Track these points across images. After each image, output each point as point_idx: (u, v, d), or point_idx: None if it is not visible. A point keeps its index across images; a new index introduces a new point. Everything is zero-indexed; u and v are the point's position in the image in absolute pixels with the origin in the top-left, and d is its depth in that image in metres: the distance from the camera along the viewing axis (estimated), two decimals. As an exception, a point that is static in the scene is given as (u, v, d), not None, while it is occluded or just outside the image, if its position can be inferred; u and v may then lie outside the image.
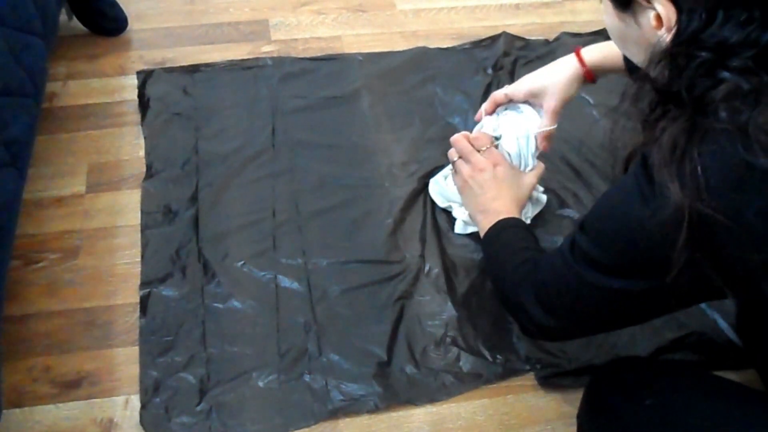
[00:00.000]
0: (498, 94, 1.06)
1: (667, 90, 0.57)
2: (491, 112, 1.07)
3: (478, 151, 1.01)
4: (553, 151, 1.16)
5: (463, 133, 1.05)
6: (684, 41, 0.56)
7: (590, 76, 0.99)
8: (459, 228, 1.09)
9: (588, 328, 0.80)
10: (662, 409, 0.68)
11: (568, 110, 1.29)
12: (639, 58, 0.65)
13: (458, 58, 1.39)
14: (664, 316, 0.87)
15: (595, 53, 0.98)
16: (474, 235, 1.08)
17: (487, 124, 1.12)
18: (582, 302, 0.70)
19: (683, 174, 0.54)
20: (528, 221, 1.07)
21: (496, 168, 0.99)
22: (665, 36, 0.57)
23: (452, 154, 1.04)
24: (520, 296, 0.78)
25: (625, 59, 0.87)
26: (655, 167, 0.56)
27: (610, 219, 0.65)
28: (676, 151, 0.55)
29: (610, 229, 0.65)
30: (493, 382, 0.93)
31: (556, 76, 1.00)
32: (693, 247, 0.55)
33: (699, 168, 0.53)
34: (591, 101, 1.32)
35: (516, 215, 0.94)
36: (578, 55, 0.99)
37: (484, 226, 0.94)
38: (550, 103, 1.00)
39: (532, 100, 1.03)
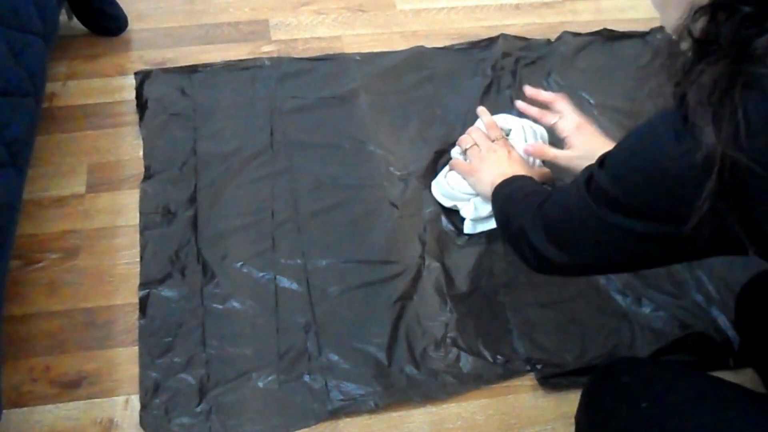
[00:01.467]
0: (547, 96, 1.05)
1: (708, 40, 0.55)
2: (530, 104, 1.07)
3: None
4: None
5: (476, 125, 1.10)
6: None
7: None
8: (468, 228, 1.09)
9: (601, 267, 0.78)
10: (658, 413, 0.68)
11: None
12: (674, 22, 0.62)
13: (456, 59, 1.39)
14: (678, 263, 0.87)
15: None
16: (479, 234, 1.08)
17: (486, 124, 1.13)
18: (594, 240, 0.67)
19: (721, 117, 0.51)
20: None
21: (510, 153, 1.02)
22: None
23: (465, 141, 1.07)
24: (529, 233, 0.76)
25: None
26: (690, 108, 0.53)
27: (635, 156, 0.61)
28: (715, 92, 0.52)
29: (634, 167, 0.61)
30: (493, 383, 0.93)
31: (597, 153, 0.95)
32: (720, 196, 0.53)
33: (740, 112, 0.51)
34: (591, 101, 1.32)
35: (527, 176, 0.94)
36: None
37: (497, 182, 0.94)
38: (571, 159, 0.98)
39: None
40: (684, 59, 0.58)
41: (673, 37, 0.61)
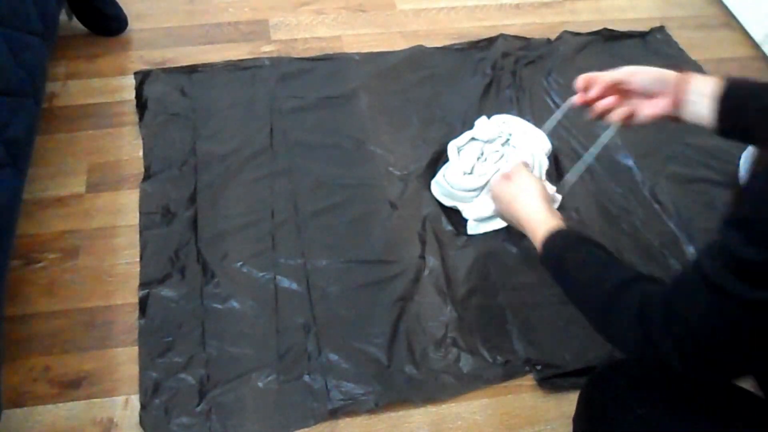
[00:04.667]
0: (606, 77, 0.85)
1: None
2: (596, 97, 0.86)
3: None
4: (556, 150, 1.16)
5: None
6: None
7: (675, 120, 0.82)
8: (471, 229, 1.09)
9: (741, 369, 0.61)
10: (653, 415, 0.67)
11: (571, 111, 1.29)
12: None
13: (456, 59, 1.39)
14: None
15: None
16: (480, 234, 1.08)
17: (482, 129, 1.14)
18: (735, 339, 0.55)
19: None
20: None
21: (512, 177, 0.91)
22: None
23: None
24: (661, 351, 0.60)
25: (722, 119, 0.75)
26: None
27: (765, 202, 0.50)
28: None
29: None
30: (493, 383, 0.93)
31: (683, 93, 0.79)
32: None
33: None
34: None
35: (553, 214, 0.82)
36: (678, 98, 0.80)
37: (532, 232, 0.82)
38: (661, 106, 0.82)
39: (646, 87, 0.83)
40: None
41: None
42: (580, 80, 0.87)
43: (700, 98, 0.77)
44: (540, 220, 0.81)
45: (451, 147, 1.15)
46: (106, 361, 0.93)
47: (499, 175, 0.94)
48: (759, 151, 0.52)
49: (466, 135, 1.16)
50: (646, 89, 0.84)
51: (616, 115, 0.86)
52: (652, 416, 0.67)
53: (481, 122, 1.15)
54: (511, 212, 0.88)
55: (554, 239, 0.78)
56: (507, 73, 1.36)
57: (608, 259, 0.71)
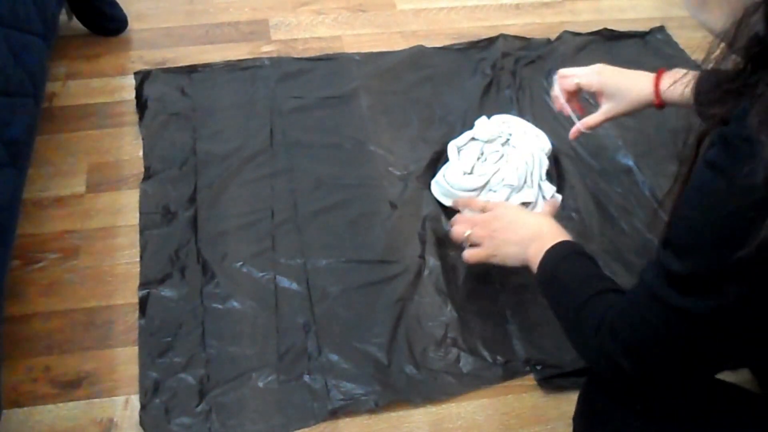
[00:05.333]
0: (568, 84, 1.02)
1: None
2: (567, 100, 1.05)
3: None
4: (556, 150, 1.17)
5: (459, 216, 1.01)
6: None
7: (659, 102, 0.96)
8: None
9: (681, 373, 0.65)
10: (653, 413, 0.67)
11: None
12: (719, 23, 0.56)
13: (456, 58, 1.40)
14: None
15: (672, 89, 0.93)
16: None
17: (482, 129, 1.14)
18: (674, 345, 0.59)
19: None
20: None
21: (498, 210, 0.94)
22: None
23: (458, 233, 0.95)
24: (605, 353, 0.65)
25: (696, 96, 0.83)
26: (754, 128, 0.49)
27: (693, 215, 0.55)
28: None
29: (696, 225, 0.55)
30: (493, 384, 0.93)
31: (630, 90, 0.96)
32: None
33: None
34: (591, 101, 1.31)
35: (553, 227, 0.86)
36: (657, 84, 0.95)
37: (532, 259, 0.84)
38: (610, 109, 0.99)
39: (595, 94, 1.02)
40: (731, 75, 0.54)
41: (718, 39, 0.56)
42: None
43: (679, 77, 0.88)
44: (525, 238, 0.85)
45: (452, 147, 1.15)
46: (106, 361, 0.93)
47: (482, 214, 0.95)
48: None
49: (467, 135, 1.16)
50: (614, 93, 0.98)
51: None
52: (651, 410, 0.67)
53: (482, 122, 1.15)
54: (505, 252, 0.89)
55: (560, 246, 0.80)
56: (507, 73, 1.36)
57: (594, 272, 0.75)
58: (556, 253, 0.80)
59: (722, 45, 0.55)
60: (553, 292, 0.79)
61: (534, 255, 0.83)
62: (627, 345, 0.62)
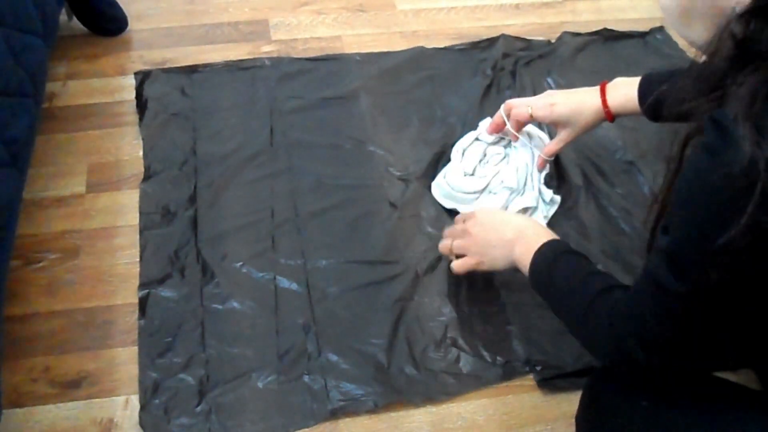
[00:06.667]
0: (522, 114, 1.05)
1: (749, 45, 0.54)
2: (517, 130, 1.09)
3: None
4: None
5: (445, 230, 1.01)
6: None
7: (611, 117, 0.99)
8: None
9: (688, 357, 0.67)
10: (658, 410, 0.68)
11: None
12: (703, 37, 0.60)
13: (456, 59, 1.39)
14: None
15: (619, 96, 0.97)
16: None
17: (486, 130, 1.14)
18: (677, 329, 0.62)
19: (762, 127, 0.50)
20: (545, 222, 1.08)
21: (475, 217, 0.95)
22: None
23: (445, 247, 0.98)
24: (622, 349, 0.67)
25: (642, 102, 0.91)
26: (731, 122, 0.52)
27: (687, 198, 0.57)
28: (756, 102, 0.51)
29: (689, 206, 0.57)
30: (493, 384, 0.93)
31: (581, 114, 1.00)
32: (762, 209, 0.50)
33: None
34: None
35: (535, 225, 0.88)
36: (603, 94, 0.98)
37: (520, 259, 0.86)
38: (567, 135, 1.03)
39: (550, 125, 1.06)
40: (715, 73, 0.56)
41: (701, 51, 0.59)
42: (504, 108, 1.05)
43: (624, 85, 0.94)
44: (510, 241, 0.87)
45: (457, 149, 1.14)
46: (106, 361, 0.93)
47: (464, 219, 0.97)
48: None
49: (471, 135, 1.15)
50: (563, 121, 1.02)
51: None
52: (657, 407, 0.68)
53: (486, 123, 1.14)
54: (493, 256, 0.90)
55: (547, 248, 0.82)
56: (507, 73, 1.36)
57: (590, 270, 0.77)
58: (545, 254, 0.81)
59: (704, 56, 0.58)
60: (553, 294, 0.80)
61: (521, 256, 0.85)
62: (641, 338, 0.64)
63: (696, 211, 0.56)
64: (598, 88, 1.00)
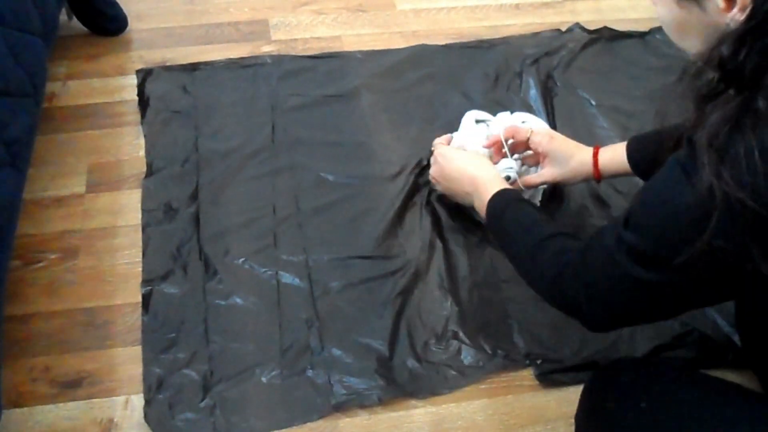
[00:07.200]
0: (522, 134, 1.06)
1: (732, 69, 0.56)
2: (512, 152, 1.07)
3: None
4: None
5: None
6: (759, 21, 0.54)
7: (597, 173, 1.00)
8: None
9: (630, 321, 0.77)
10: (657, 411, 0.68)
11: (569, 110, 1.30)
12: (697, 48, 0.63)
13: (458, 57, 1.39)
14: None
15: (608, 151, 0.99)
16: (480, 229, 1.08)
17: (502, 123, 1.12)
18: (626, 298, 0.67)
19: (724, 157, 0.53)
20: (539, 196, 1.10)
21: (440, 159, 1.05)
22: (737, 16, 0.56)
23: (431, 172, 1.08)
24: (567, 294, 0.73)
25: (630, 159, 0.95)
26: (698, 148, 0.55)
27: (652, 203, 0.63)
28: (719, 135, 0.54)
29: (652, 213, 0.62)
30: (494, 375, 0.93)
31: (572, 158, 1.00)
32: (720, 234, 0.54)
33: (744, 152, 0.52)
34: (591, 101, 1.32)
35: (490, 174, 0.95)
36: (596, 152, 0.99)
37: (479, 208, 0.93)
38: (550, 175, 1.03)
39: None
40: (707, 81, 0.59)
41: (696, 61, 0.62)
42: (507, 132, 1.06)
43: (613, 147, 0.98)
44: (492, 181, 0.93)
45: (468, 117, 1.13)
46: (106, 361, 0.93)
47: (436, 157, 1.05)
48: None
49: (484, 114, 1.14)
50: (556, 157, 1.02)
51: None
52: (657, 408, 0.68)
53: (503, 116, 1.13)
54: (464, 178, 0.98)
55: (498, 198, 0.89)
56: (510, 72, 1.36)
57: (539, 218, 0.83)
58: (497, 202, 0.89)
59: (698, 64, 0.61)
60: (503, 238, 0.86)
61: (480, 204, 0.92)
62: (589, 296, 0.69)
63: (662, 224, 0.60)
64: (592, 148, 1.01)
